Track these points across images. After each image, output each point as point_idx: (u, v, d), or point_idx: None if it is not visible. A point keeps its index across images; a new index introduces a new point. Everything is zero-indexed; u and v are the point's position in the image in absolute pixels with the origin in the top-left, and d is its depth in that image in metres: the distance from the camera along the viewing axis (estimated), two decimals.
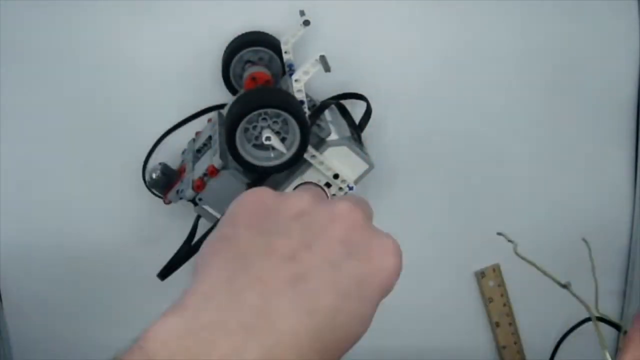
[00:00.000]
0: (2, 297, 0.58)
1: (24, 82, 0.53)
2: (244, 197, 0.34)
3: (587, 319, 0.53)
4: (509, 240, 0.44)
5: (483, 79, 0.56)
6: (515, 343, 0.62)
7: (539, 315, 0.60)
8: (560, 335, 0.59)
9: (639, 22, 0.57)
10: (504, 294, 0.61)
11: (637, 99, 0.57)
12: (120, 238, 0.58)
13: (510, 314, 0.62)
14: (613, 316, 0.51)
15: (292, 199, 0.33)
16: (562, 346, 0.59)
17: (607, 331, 0.47)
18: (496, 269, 0.61)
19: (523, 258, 0.42)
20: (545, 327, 0.60)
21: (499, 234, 0.44)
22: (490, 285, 0.61)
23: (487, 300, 0.61)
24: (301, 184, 0.48)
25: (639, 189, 0.58)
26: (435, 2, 0.54)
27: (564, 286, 0.43)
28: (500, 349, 0.62)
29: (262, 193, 0.34)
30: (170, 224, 0.56)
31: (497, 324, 0.62)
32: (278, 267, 0.30)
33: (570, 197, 0.59)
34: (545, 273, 0.41)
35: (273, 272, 0.29)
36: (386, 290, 0.32)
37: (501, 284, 0.61)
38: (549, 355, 0.59)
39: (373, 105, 0.53)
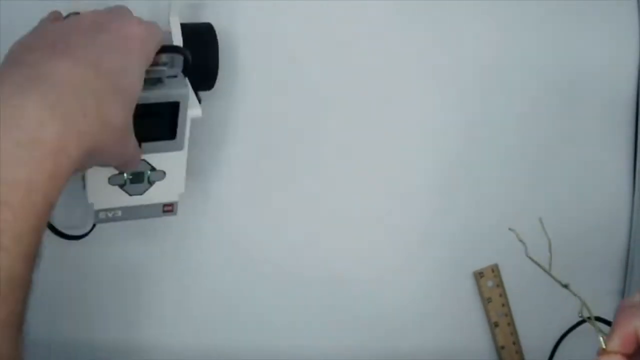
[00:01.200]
0: None
1: None
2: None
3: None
4: (520, 240, 0.44)
5: (483, 78, 0.56)
6: (514, 343, 0.62)
7: (537, 316, 0.60)
8: (559, 336, 0.59)
9: (639, 22, 0.57)
10: (503, 294, 0.61)
11: (637, 99, 0.58)
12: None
13: (508, 314, 0.61)
14: (612, 316, 0.50)
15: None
16: (561, 346, 0.59)
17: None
18: (495, 269, 0.61)
19: (534, 261, 0.41)
20: (544, 327, 0.60)
21: (511, 229, 0.44)
22: (489, 286, 0.61)
23: (485, 301, 0.61)
24: None
25: (639, 189, 0.59)
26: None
27: (565, 286, 0.43)
28: (499, 349, 0.62)
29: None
30: None
31: (496, 324, 0.62)
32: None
33: (570, 197, 0.59)
34: (551, 275, 0.41)
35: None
36: (145, 51, 0.39)
37: (500, 284, 0.61)
38: (547, 356, 0.60)
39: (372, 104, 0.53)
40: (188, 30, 0.48)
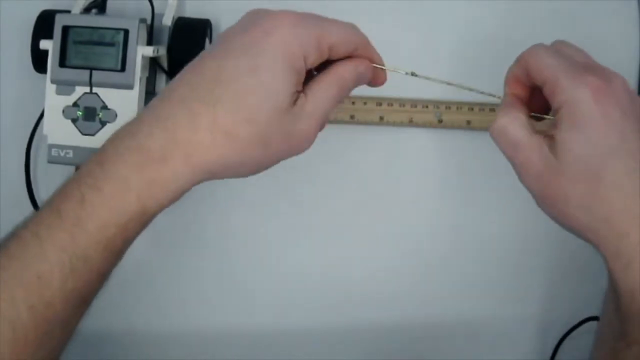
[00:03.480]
0: None
1: None
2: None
3: (588, 319, 0.52)
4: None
5: (483, 76, 0.55)
6: None
7: (539, 315, 0.55)
8: (560, 335, 0.54)
9: (639, 22, 0.55)
10: None
11: None
12: None
13: None
14: None
15: None
16: (562, 346, 0.54)
17: None
18: None
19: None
20: (545, 327, 0.55)
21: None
22: None
23: None
24: None
25: None
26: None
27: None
28: None
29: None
30: None
31: None
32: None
33: None
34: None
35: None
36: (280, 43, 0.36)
37: None
38: (549, 355, 0.54)
39: None
40: (182, 23, 0.52)
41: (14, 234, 0.34)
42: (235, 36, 0.37)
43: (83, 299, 0.35)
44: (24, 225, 0.34)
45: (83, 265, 0.33)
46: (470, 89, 0.43)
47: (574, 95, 0.36)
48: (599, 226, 0.36)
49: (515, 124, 0.38)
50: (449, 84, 0.43)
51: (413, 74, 0.43)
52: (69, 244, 0.33)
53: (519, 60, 0.40)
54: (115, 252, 0.35)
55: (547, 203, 0.38)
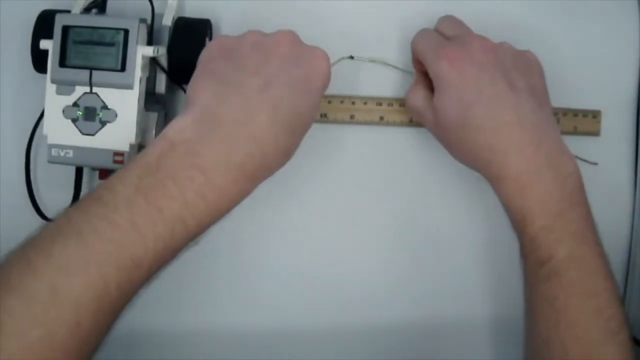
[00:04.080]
0: None
1: None
2: (209, 45, 0.45)
3: None
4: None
5: None
6: None
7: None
8: None
9: (639, 22, 0.55)
10: None
11: (637, 99, 0.55)
12: None
13: None
14: None
15: (245, 36, 0.45)
16: None
17: None
18: None
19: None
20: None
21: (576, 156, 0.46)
22: None
23: None
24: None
25: (639, 189, 0.55)
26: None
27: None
28: None
29: (220, 38, 0.45)
30: None
31: None
32: (249, 80, 0.42)
33: None
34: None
35: (246, 83, 0.42)
36: (323, 84, 0.45)
37: None
38: None
39: None
40: (182, 23, 0.52)
41: (104, 216, 0.36)
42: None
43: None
44: (111, 209, 0.36)
45: (171, 254, 0.38)
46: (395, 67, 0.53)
47: (435, 68, 0.45)
48: (477, 161, 0.45)
49: (415, 96, 0.49)
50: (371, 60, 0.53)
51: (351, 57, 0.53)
52: (170, 238, 0.37)
53: (410, 45, 0.50)
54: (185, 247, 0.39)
55: (448, 150, 0.48)
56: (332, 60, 0.46)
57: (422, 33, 0.49)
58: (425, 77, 0.48)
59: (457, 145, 0.46)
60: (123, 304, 0.36)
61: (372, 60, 0.53)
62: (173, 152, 0.38)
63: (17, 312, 0.33)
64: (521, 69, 0.46)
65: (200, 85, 0.42)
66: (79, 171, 0.51)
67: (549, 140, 0.44)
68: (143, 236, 0.36)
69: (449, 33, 0.48)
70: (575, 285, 0.41)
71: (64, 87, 0.47)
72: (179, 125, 0.40)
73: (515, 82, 0.45)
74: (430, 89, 0.47)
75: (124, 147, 0.48)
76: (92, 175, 0.53)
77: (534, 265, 0.43)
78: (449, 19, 0.50)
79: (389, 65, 0.53)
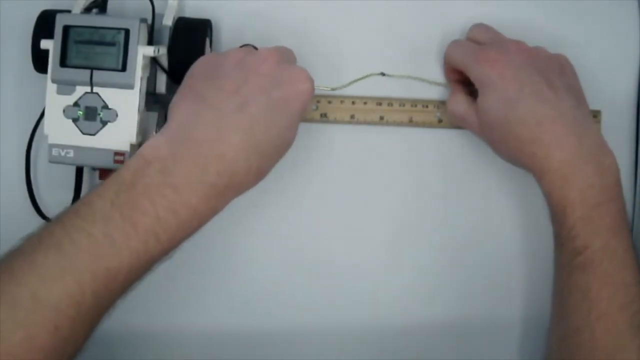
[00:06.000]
0: None
1: None
2: (195, 64, 0.46)
3: None
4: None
5: None
6: None
7: (538, 315, 0.54)
8: None
9: (639, 22, 0.55)
10: None
11: (637, 99, 0.55)
12: None
13: None
14: None
15: (229, 54, 0.46)
16: None
17: None
18: None
19: None
20: (545, 327, 0.52)
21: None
22: None
23: None
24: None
25: (639, 189, 0.54)
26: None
27: None
28: None
29: (206, 56, 0.47)
30: None
31: None
32: (227, 99, 0.42)
33: None
34: None
35: (223, 102, 0.42)
36: (303, 107, 0.45)
37: None
38: None
39: None
40: (182, 23, 0.52)
41: (82, 229, 0.38)
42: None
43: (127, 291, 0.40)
44: (89, 223, 0.38)
45: (145, 267, 0.40)
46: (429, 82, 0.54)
47: (477, 71, 0.48)
48: (521, 156, 0.46)
49: (456, 103, 0.51)
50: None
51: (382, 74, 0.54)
52: (143, 251, 0.38)
53: (444, 58, 0.53)
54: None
55: (493, 148, 0.49)
56: (351, 78, 0.49)
57: (456, 43, 0.51)
58: (460, 85, 0.51)
59: (503, 141, 0.47)
60: (100, 311, 0.38)
61: (403, 77, 0.54)
62: (147, 169, 0.40)
63: (1, 317, 0.35)
64: (556, 70, 0.48)
65: (179, 103, 0.44)
66: (79, 171, 0.51)
67: (590, 135, 0.46)
68: (118, 248, 0.38)
69: (482, 39, 0.51)
70: (609, 277, 0.43)
71: (65, 86, 0.47)
72: (155, 143, 0.41)
73: (553, 81, 0.47)
74: (469, 94, 0.51)
75: (125, 147, 0.48)
76: (93, 175, 0.53)
77: (570, 254, 0.44)
78: (479, 26, 0.52)
79: (422, 79, 0.54)
